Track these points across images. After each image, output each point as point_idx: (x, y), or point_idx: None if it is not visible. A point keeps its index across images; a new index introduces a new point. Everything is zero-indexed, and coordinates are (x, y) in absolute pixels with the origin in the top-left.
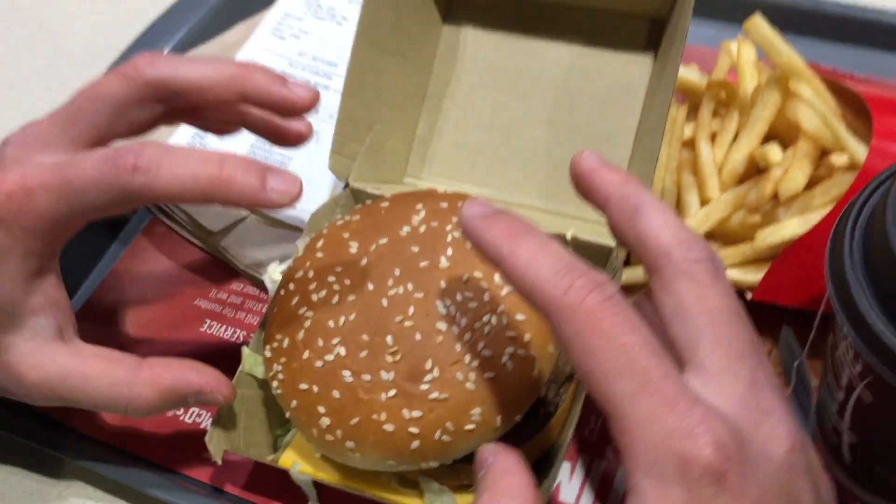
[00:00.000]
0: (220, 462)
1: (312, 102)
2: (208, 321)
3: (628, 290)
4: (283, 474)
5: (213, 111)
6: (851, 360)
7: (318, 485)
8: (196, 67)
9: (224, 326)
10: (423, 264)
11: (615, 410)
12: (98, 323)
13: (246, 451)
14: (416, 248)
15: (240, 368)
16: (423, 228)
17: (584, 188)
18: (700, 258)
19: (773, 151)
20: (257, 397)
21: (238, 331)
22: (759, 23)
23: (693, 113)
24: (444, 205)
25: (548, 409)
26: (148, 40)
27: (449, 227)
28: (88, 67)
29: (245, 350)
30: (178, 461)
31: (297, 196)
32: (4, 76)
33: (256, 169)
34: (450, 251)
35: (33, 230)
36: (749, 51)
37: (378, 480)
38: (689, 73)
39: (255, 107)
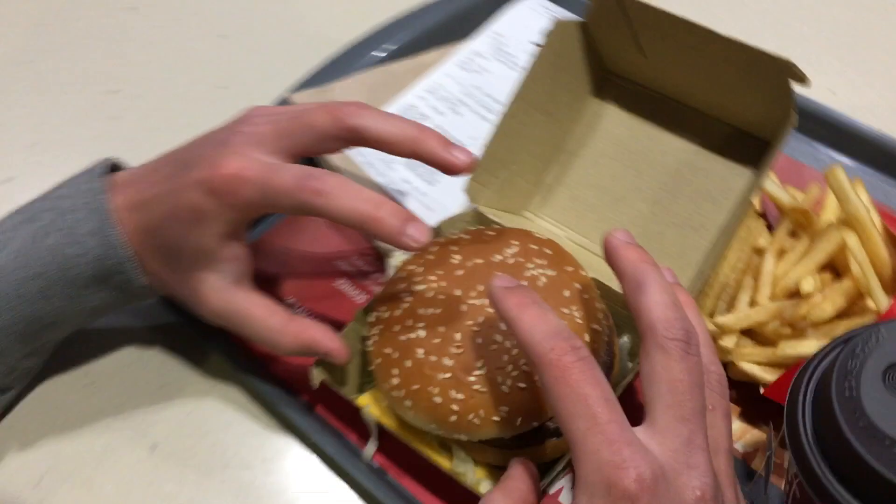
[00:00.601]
0: (316, 387)
1: (470, 167)
2: (343, 280)
3: None
4: (357, 411)
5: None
6: (791, 462)
7: (379, 427)
8: (388, 125)
9: (353, 287)
10: None
11: (572, 443)
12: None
13: (336, 386)
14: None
15: (350, 323)
16: (511, 260)
17: (610, 259)
18: (676, 337)
19: (807, 282)
20: (355, 349)
21: (362, 293)
22: (838, 173)
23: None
24: (534, 247)
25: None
26: (367, 42)
27: (530, 266)
28: (315, 56)
29: (358, 312)
30: (296, 382)
31: (423, 243)
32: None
33: (402, 217)
34: (524, 283)
35: (234, 207)
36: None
37: (423, 438)
38: (776, 190)
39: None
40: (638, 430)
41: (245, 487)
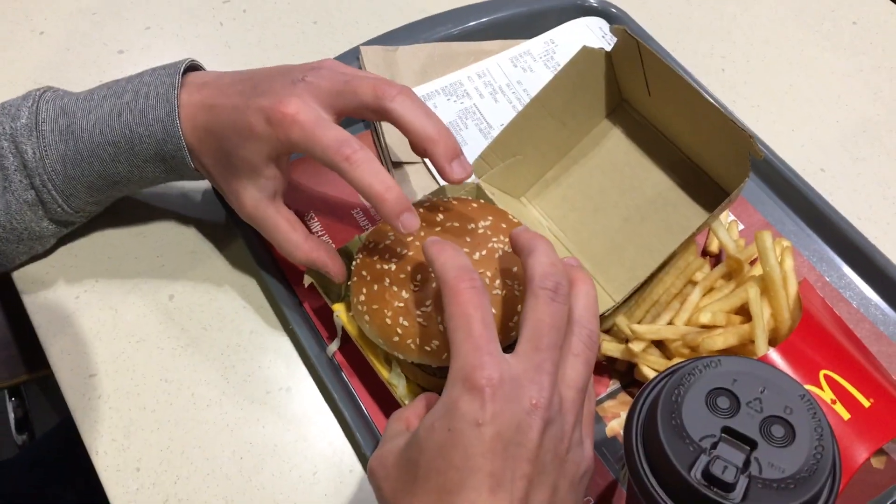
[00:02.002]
0: (306, 286)
1: (463, 181)
2: (358, 210)
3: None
4: (331, 314)
5: None
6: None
7: (343, 332)
8: (415, 118)
9: (363, 217)
10: (465, 250)
11: (451, 350)
12: (293, 180)
13: (321, 291)
14: (468, 239)
15: (348, 243)
16: (480, 230)
17: (513, 242)
18: (545, 286)
19: (705, 315)
20: (347, 266)
21: (368, 223)
22: (764, 238)
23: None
24: (503, 225)
25: None
26: (440, 19)
27: (494, 239)
28: (396, 17)
29: (356, 237)
30: (294, 281)
31: (411, 232)
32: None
33: (402, 206)
34: (483, 252)
35: (282, 139)
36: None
37: (373, 349)
38: (724, 237)
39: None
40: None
41: (232, 348)
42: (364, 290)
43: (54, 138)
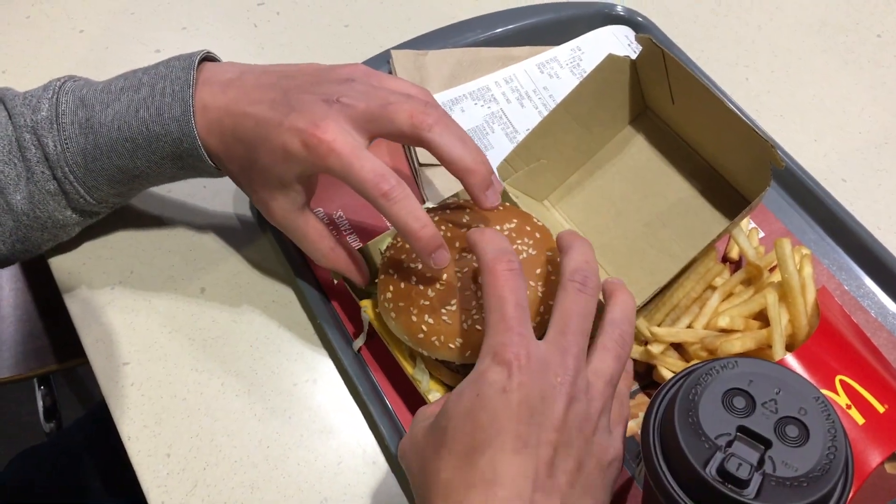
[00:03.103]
0: (335, 282)
1: (494, 208)
2: None
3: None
4: (359, 310)
5: None
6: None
7: (370, 327)
8: (452, 148)
9: None
10: None
11: (487, 326)
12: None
13: (349, 286)
14: None
15: (375, 240)
16: (504, 232)
17: (557, 242)
18: (574, 279)
19: (723, 319)
20: (373, 261)
21: None
22: (784, 245)
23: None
24: (528, 228)
25: None
26: (470, 25)
27: (518, 241)
28: (426, 22)
29: (384, 234)
30: (322, 279)
31: (442, 266)
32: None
33: (434, 245)
34: None
35: (317, 164)
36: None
37: (398, 345)
38: (745, 244)
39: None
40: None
41: (261, 340)
42: (391, 288)
43: (74, 131)
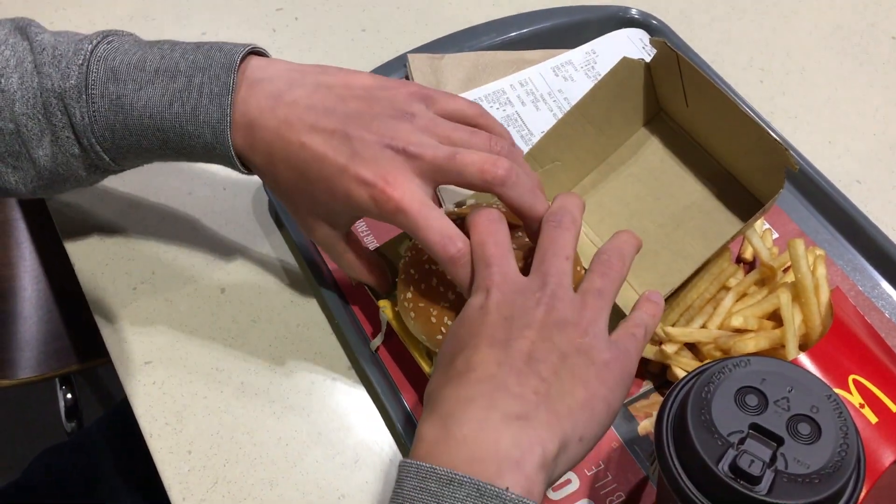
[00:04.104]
0: (354, 284)
1: None
2: None
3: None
4: (377, 311)
5: None
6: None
7: (388, 327)
8: (530, 203)
9: None
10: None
11: (474, 270)
12: None
13: (368, 286)
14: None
15: (393, 239)
16: (519, 234)
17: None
18: (549, 220)
19: (736, 319)
20: (391, 264)
21: None
22: (797, 245)
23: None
24: None
25: None
26: (485, 29)
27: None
28: (442, 26)
29: (400, 235)
30: (341, 281)
31: None
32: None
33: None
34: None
35: (380, 217)
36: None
37: (416, 345)
38: (759, 245)
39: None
40: None
41: (280, 340)
42: (411, 288)
43: (104, 105)
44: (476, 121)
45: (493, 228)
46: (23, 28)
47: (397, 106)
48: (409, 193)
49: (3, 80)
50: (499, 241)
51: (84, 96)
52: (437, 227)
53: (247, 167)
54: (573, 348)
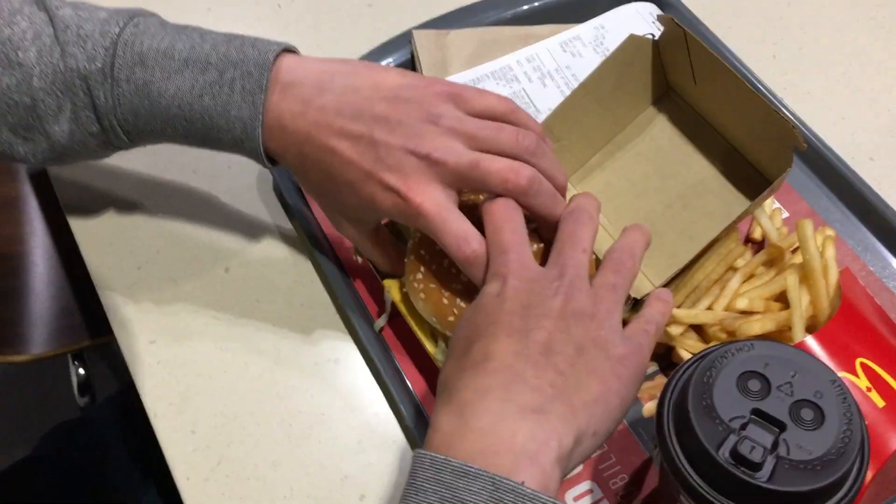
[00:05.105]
0: (358, 261)
1: None
2: None
3: None
4: (379, 289)
5: None
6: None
7: (392, 307)
8: (551, 210)
9: None
10: None
11: (489, 256)
12: None
13: (373, 265)
14: None
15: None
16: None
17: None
18: (568, 216)
19: (741, 301)
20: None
21: None
22: (805, 226)
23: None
24: None
25: None
26: (492, 3)
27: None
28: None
29: None
30: (346, 263)
31: None
32: None
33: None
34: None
35: (403, 220)
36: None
37: (422, 326)
38: (767, 225)
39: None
40: None
41: (283, 320)
42: (422, 269)
43: (129, 89)
44: (507, 118)
45: (509, 215)
46: None
47: (424, 107)
48: (430, 198)
49: (20, 53)
50: (515, 229)
51: (109, 80)
52: (454, 230)
53: (271, 161)
54: (590, 340)
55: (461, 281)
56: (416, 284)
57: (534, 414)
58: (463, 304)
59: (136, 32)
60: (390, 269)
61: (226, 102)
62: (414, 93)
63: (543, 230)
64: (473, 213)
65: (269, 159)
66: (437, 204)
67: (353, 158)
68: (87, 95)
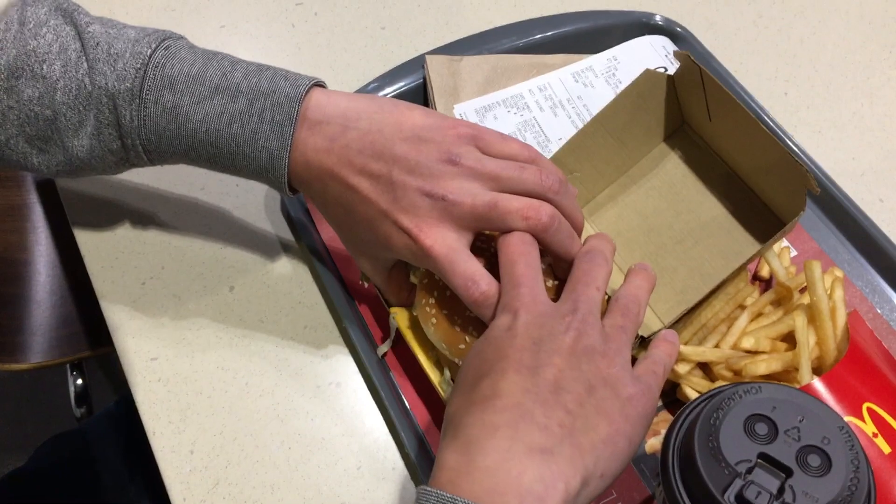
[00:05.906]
0: (365, 285)
1: None
2: None
3: None
4: (383, 314)
5: None
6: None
7: (397, 333)
8: (568, 249)
9: None
10: None
11: (501, 288)
12: None
13: (378, 290)
14: None
15: None
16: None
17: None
18: (583, 256)
19: (747, 341)
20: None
21: None
22: (813, 267)
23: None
24: None
25: None
26: (505, 31)
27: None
28: (462, 27)
29: None
30: (352, 287)
31: None
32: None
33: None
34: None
35: (414, 261)
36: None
37: (427, 353)
38: (776, 265)
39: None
40: None
41: (286, 341)
42: (435, 294)
43: (156, 111)
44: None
45: (525, 249)
46: (67, 11)
47: (444, 148)
48: (440, 240)
49: (45, 67)
50: (529, 263)
51: (136, 101)
52: (462, 272)
53: (292, 189)
54: (600, 379)
55: (473, 319)
56: (427, 309)
57: (541, 454)
58: (475, 332)
59: (167, 55)
60: (400, 304)
61: (254, 132)
62: (435, 134)
63: (558, 269)
64: (491, 246)
65: (290, 188)
66: (446, 246)
67: (372, 197)
68: (113, 113)
